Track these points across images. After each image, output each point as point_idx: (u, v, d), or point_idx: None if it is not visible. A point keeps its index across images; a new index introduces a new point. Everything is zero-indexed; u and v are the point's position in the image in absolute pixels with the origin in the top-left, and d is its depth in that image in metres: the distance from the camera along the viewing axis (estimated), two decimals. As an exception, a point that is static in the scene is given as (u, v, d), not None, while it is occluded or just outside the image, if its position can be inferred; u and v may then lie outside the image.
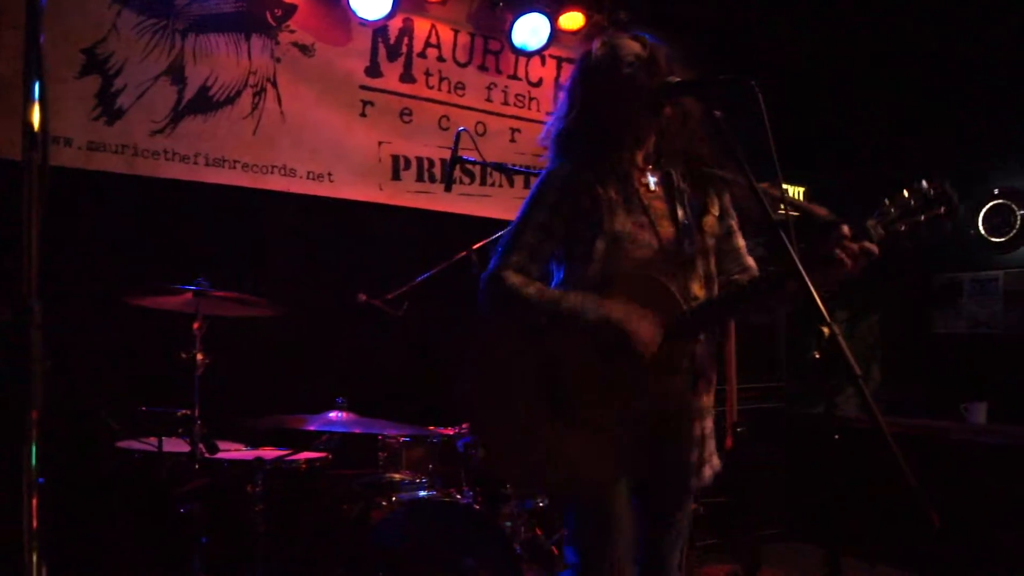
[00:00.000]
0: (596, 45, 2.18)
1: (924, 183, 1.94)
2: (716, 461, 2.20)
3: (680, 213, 2.11)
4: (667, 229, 2.09)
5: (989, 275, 5.25)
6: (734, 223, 2.21)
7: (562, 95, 2.23)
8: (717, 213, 2.17)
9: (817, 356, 1.41)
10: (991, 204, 5.22)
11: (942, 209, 1.93)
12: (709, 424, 2.18)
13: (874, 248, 1.88)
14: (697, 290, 2.08)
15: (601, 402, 1.98)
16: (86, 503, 3.20)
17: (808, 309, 1.59)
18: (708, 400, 2.17)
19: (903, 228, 1.91)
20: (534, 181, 2.18)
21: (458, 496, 3.12)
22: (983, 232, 5.26)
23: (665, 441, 2.07)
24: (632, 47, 2.12)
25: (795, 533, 5.36)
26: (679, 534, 2.20)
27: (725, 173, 2.14)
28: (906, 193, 1.94)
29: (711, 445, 2.18)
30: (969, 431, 4.69)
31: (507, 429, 2.04)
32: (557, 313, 1.98)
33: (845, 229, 1.87)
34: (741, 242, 2.23)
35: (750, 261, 2.23)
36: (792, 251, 1.63)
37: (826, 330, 1.45)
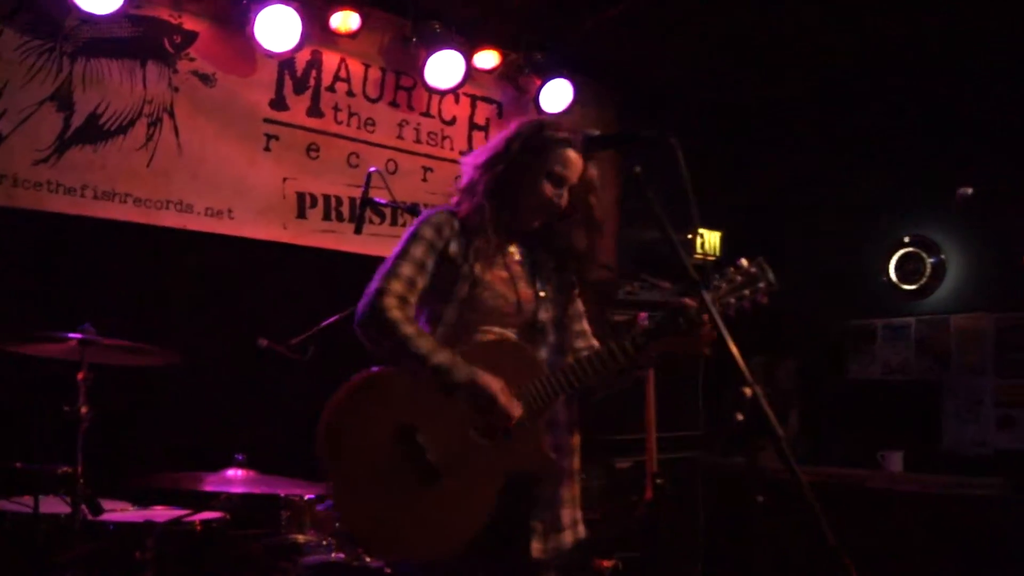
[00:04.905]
0: (533, 132, 2.31)
1: (744, 261, 2.25)
2: (582, 529, 2.34)
3: (538, 284, 2.35)
4: (526, 290, 2.33)
5: (902, 322, 5.54)
6: (582, 308, 2.47)
7: (490, 149, 2.36)
8: (574, 295, 2.43)
9: (740, 418, 1.49)
10: (902, 252, 5.53)
11: (761, 284, 2.24)
12: (574, 489, 2.34)
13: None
14: (546, 356, 2.31)
15: (462, 464, 2.13)
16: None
17: (725, 363, 1.69)
18: (569, 463, 2.34)
19: (732, 300, 2.22)
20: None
21: (367, 560, 3.07)
22: (895, 279, 5.55)
23: (516, 503, 2.20)
24: (570, 160, 2.28)
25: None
26: None
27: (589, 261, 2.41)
28: (732, 270, 2.26)
29: (576, 513, 2.33)
30: (886, 479, 4.89)
31: (366, 491, 2.14)
32: (425, 364, 2.12)
33: (689, 303, 2.17)
34: (588, 326, 2.48)
35: (595, 342, 2.45)
36: (711, 308, 1.74)
37: (748, 391, 1.53)
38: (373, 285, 2.22)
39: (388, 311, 2.15)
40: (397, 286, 2.20)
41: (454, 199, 2.38)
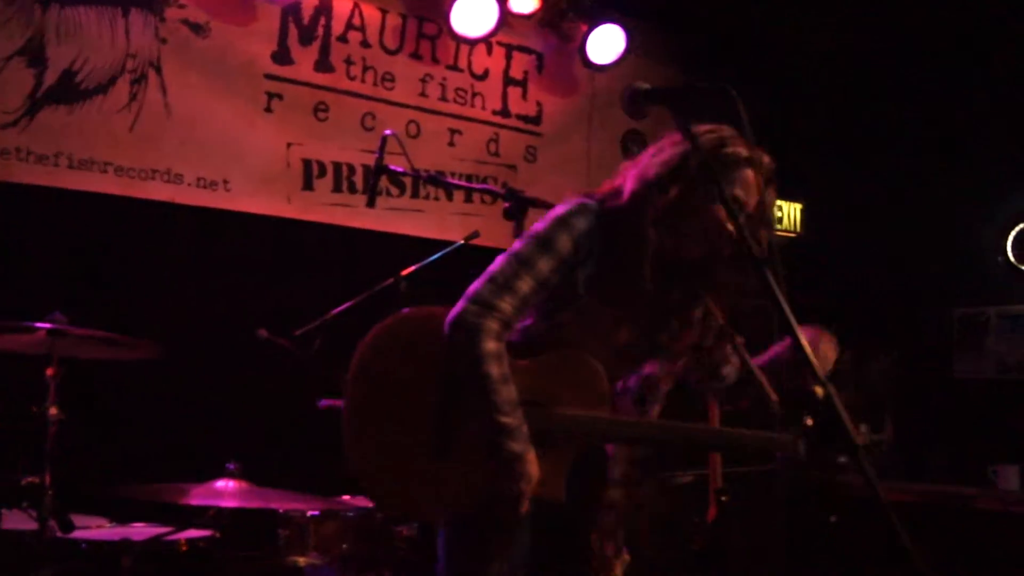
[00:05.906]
0: (715, 147, 2.23)
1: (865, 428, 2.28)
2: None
3: (664, 338, 2.37)
4: (639, 337, 2.35)
5: (1020, 310, 5.40)
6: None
7: (662, 163, 2.28)
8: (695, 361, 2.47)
9: (810, 423, 1.44)
10: (1022, 227, 5.39)
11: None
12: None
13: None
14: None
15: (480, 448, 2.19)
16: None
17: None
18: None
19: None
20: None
21: (377, 586, 3.09)
22: (1012, 259, 5.41)
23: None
24: (751, 184, 2.24)
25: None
26: None
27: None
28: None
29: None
30: (999, 499, 4.79)
31: (378, 430, 2.20)
32: (492, 411, 2.14)
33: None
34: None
35: None
36: (779, 295, 1.67)
37: (819, 391, 1.47)
38: (482, 289, 2.19)
39: (484, 340, 2.15)
40: (507, 307, 2.18)
41: (603, 191, 2.32)
